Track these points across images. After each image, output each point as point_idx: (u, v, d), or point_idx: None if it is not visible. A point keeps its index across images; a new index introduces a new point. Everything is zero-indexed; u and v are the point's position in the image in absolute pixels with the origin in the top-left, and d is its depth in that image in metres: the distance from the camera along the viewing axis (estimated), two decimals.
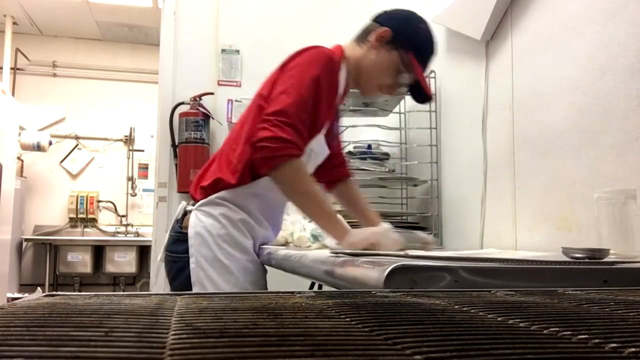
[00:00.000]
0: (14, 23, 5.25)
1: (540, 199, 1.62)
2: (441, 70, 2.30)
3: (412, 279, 0.70)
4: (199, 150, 2.76)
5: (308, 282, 1.98)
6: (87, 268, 5.10)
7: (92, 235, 5.51)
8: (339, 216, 1.35)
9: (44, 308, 0.44)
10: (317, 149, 1.48)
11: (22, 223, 5.18)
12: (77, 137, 5.62)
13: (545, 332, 0.36)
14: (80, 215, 5.46)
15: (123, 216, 5.63)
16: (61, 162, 5.59)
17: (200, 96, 2.82)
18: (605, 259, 0.91)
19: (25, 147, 5.14)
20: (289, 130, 1.28)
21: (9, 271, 4.57)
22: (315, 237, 1.62)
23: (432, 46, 1.49)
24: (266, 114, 1.30)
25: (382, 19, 1.49)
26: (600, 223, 1.14)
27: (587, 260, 0.89)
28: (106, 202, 5.61)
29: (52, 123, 5.57)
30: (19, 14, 5.15)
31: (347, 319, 0.40)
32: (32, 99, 5.46)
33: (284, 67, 1.42)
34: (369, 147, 2.51)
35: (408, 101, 2.60)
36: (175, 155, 2.80)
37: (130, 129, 5.69)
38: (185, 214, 1.50)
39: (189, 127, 2.75)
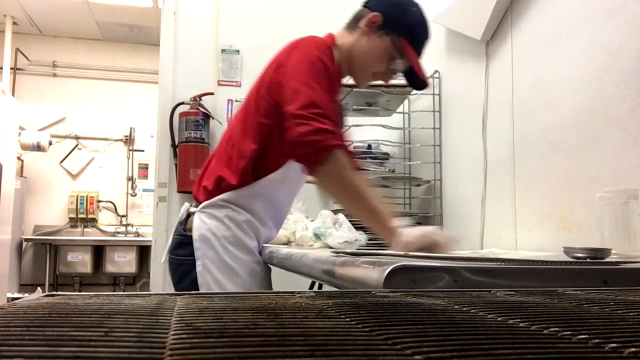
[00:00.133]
0: (14, 23, 5.25)
1: (541, 199, 1.62)
2: (441, 70, 2.31)
3: (412, 279, 0.70)
4: (199, 149, 2.76)
5: (310, 281, 1.98)
6: (87, 268, 5.10)
7: (92, 235, 5.51)
8: (390, 211, 1.22)
9: (44, 308, 0.44)
10: None
11: (22, 223, 5.18)
12: (77, 137, 5.62)
13: (545, 332, 0.36)
14: (80, 215, 5.46)
15: (123, 216, 5.63)
16: (61, 162, 5.59)
17: (200, 96, 2.82)
18: (607, 259, 0.91)
19: (25, 147, 5.14)
20: (327, 122, 1.21)
21: (9, 271, 4.57)
22: (317, 236, 1.62)
23: (425, 30, 1.41)
24: (296, 109, 1.22)
25: (372, 3, 1.43)
26: (602, 223, 1.14)
27: (588, 260, 0.89)
28: (106, 202, 5.61)
29: (52, 123, 5.57)
30: (19, 14, 5.15)
31: (347, 319, 0.40)
32: (32, 99, 5.46)
33: (281, 64, 1.37)
34: (369, 147, 2.51)
35: (411, 101, 2.60)
36: (175, 155, 2.80)
37: (130, 129, 5.69)
38: (189, 215, 1.48)
39: (189, 126, 2.75)
